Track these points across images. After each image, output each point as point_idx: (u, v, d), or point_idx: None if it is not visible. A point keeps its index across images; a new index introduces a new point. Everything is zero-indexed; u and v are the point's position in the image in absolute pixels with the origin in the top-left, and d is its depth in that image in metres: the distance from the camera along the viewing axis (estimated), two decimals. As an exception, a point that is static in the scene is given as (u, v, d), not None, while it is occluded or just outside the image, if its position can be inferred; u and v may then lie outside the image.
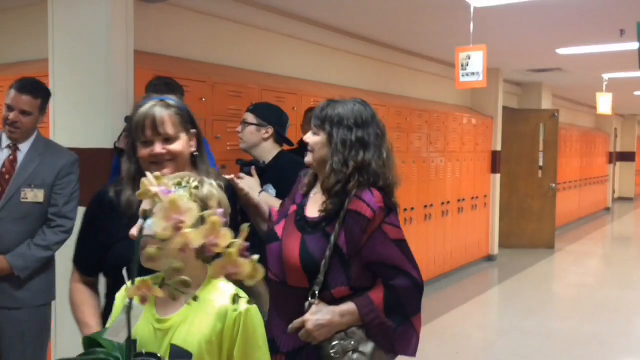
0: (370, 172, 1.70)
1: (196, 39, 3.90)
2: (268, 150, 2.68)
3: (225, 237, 1.13)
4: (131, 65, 2.90)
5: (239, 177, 2.51)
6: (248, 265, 1.16)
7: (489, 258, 7.69)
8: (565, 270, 7.65)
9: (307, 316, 1.61)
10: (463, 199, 6.86)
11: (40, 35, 3.07)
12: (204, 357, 1.29)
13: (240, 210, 1.88)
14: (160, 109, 1.63)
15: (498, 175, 7.76)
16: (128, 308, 1.15)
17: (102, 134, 2.81)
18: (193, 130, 1.70)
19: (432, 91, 6.76)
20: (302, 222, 1.73)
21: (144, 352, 1.31)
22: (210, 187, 1.35)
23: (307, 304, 1.63)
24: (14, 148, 2.58)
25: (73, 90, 2.89)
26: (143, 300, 1.14)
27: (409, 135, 5.77)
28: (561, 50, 6.08)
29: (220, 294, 1.34)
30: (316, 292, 1.62)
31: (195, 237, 1.11)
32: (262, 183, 2.55)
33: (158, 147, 1.61)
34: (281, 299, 1.69)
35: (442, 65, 6.56)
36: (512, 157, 8.42)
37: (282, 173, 2.55)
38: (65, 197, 2.55)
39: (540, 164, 8.59)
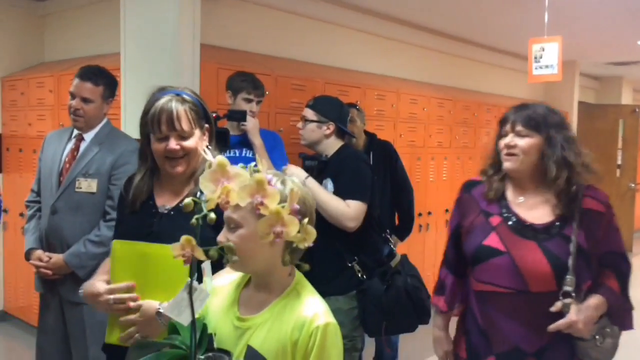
0: (578, 171, 1.78)
1: (261, 32, 3.92)
2: (331, 146, 2.61)
3: (273, 196, 1.11)
4: (197, 59, 2.94)
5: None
6: (296, 225, 1.16)
7: (560, 260, 7.35)
8: (644, 276, 7.19)
9: (573, 317, 1.67)
10: (533, 198, 6.58)
11: (115, 29, 3.18)
12: None
13: None
14: (177, 105, 1.62)
15: (572, 174, 7.38)
16: (190, 288, 1.14)
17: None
18: (206, 126, 1.71)
19: (502, 85, 6.51)
20: (526, 230, 1.77)
21: (215, 347, 1.30)
22: (293, 186, 1.31)
23: (560, 304, 1.70)
24: (78, 138, 2.55)
25: (142, 82, 2.97)
26: (187, 260, 1.13)
27: (477, 131, 5.59)
28: (645, 42, 5.70)
29: (303, 304, 1.30)
30: (570, 291, 1.70)
31: (239, 195, 1.10)
32: (323, 177, 2.52)
33: (173, 143, 1.62)
34: (521, 306, 1.74)
35: (513, 59, 6.31)
36: (587, 155, 7.99)
37: (341, 167, 2.50)
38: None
39: (619, 162, 8.11)
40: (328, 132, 2.57)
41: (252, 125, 2.71)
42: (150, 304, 1.53)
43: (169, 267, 1.41)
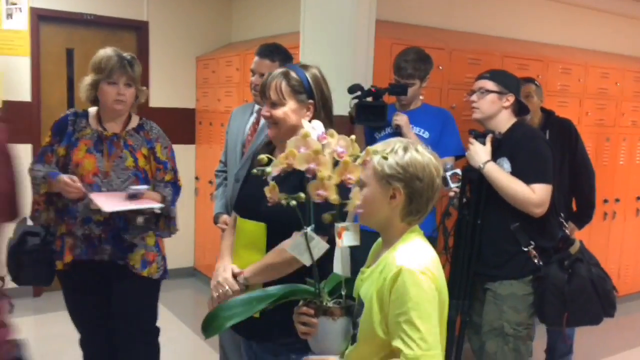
0: None
1: (435, 5, 3.82)
2: (505, 121, 2.50)
3: (356, 170, 1.33)
4: (372, 34, 2.96)
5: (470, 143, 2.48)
6: (335, 191, 1.33)
7: None
8: None
9: None
10: None
11: (296, 9, 3.32)
12: (373, 309, 1.34)
13: None
14: (273, 76, 1.76)
15: None
16: (305, 235, 1.39)
17: (341, 103, 2.92)
18: (310, 101, 1.76)
19: None
20: None
21: (343, 293, 1.47)
22: (415, 154, 1.37)
23: None
24: (259, 112, 2.67)
25: (318, 60, 3.06)
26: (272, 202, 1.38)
27: (681, 108, 4.88)
28: None
29: (393, 253, 1.36)
30: None
31: (333, 176, 1.32)
32: (497, 156, 2.42)
33: (264, 110, 1.80)
34: None
35: None
36: None
37: (518, 147, 2.40)
38: None
39: None
40: (507, 104, 2.49)
41: (403, 122, 2.69)
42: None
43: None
